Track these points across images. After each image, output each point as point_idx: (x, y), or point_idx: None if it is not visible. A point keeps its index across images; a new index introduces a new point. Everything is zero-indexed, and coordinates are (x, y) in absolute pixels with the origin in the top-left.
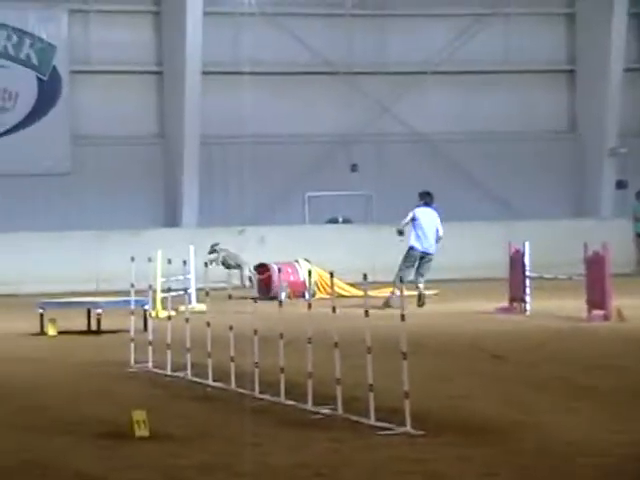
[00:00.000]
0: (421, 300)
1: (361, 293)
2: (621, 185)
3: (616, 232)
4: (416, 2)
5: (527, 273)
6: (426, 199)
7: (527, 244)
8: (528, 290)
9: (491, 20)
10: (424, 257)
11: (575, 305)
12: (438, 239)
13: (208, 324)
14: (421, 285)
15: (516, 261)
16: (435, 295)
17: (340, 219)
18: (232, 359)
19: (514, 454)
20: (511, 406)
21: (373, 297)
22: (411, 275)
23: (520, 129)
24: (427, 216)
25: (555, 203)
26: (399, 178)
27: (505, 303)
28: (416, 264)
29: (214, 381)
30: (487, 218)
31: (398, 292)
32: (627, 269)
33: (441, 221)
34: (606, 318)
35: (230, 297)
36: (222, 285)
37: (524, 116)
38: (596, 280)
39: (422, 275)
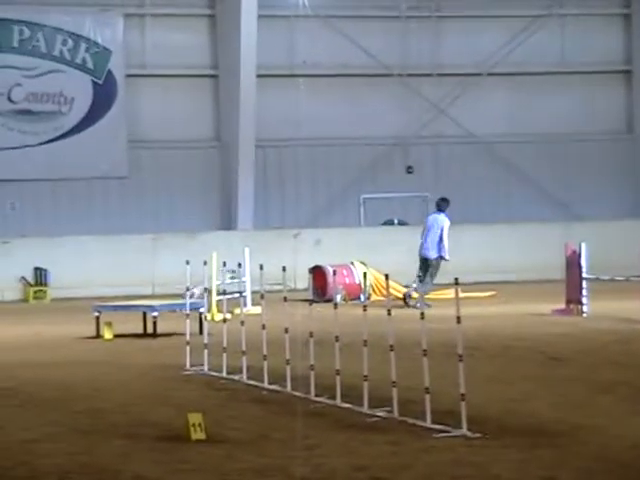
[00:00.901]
0: (405, 302)
1: (416, 295)
2: None
3: None
4: (471, 4)
5: (584, 274)
6: (439, 205)
7: (584, 245)
8: (585, 292)
9: (547, 21)
10: (425, 262)
11: (633, 307)
12: (440, 243)
13: (263, 327)
14: (413, 287)
15: (573, 262)
16: (491, 297)
17: (396, 221)
18: (287, 362)
19: (574, 457)
20: (571, 409)
21: (432, 299)
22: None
23: (576, 130)
24: (432, 222)
25: (612, 204)
26: (455, 180)
27: (562, 305)
28: (425, 269)
29: (270, 384)
30: (543, 219)
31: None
32: None
33: (451, 224)
34: None
35: (285, 299)
36: (277, 287)
37: (580, 117)
38: None
39: (420, 279)
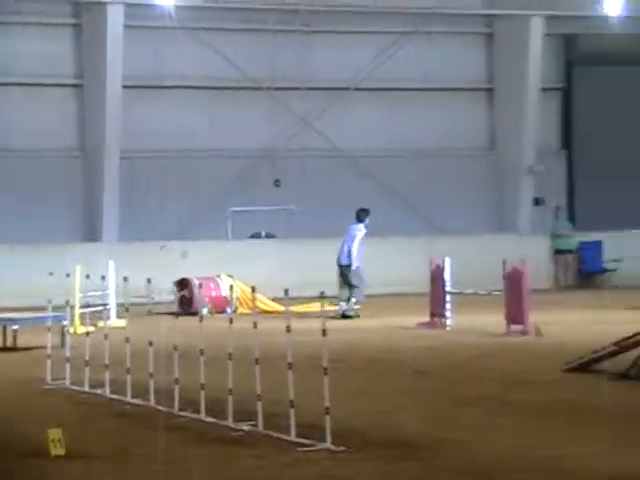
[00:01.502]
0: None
1: (283, 308)
2: (538, 202)
3: (534, 248)
4: (339, 19)
5: (447, 288)
6: (358, 215)
7: (447, 260)
8: (448, 305)
9: (413, 38)
10: (341, 269)
11: (494, 320)
12: (349, 252)
13: (127, 340)
14: (343, 299)
15: (437, 276)
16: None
17: (263, 234)
18: (151, 375)
19: (437, 470)
20: (435, 422)
21: (295, 313)
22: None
23: (441, 146)
24: (349, 231)
25: (475, 219)
26: (322, 193)
27: (426, 318)
28: (344, 277)
29: (133, 398)
30: (409, 233)
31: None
32: (545, 285)
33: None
34: (524, 333)
35: (150, 312)
36: (142, 300)
37: (445, 133)
38: (514, 296)
39: (345, 288)
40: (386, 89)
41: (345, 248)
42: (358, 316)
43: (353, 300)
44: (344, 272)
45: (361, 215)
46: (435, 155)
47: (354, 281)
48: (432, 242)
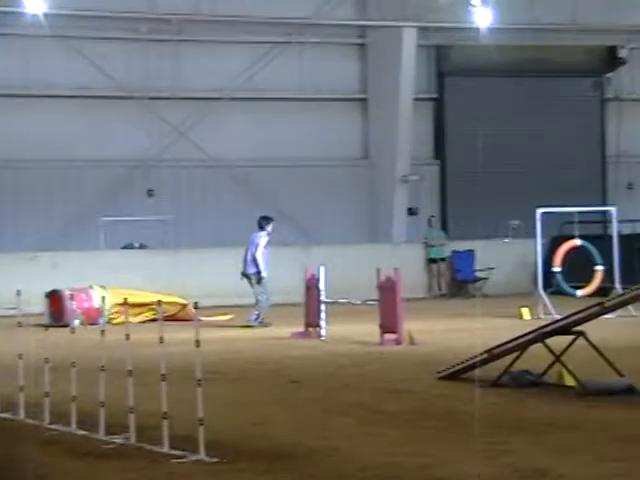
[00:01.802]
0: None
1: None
2: (412, 212)
3: (408, 257)
4: (212, 28)
5: (322, 298)
6: (259, 223)
7: (322, 269)
8: (323, 315)
9: (287, 48)
10: (247, 278)
11: (369, 329)
12: (253, 260)
13: None
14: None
15: (311, 286)
16: (230, 319)
17: (136, 244)
18: (21, 389)
19: (310, 479)
20: (309, 432)
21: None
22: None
23: (316, 156)
24: (252, 240)
25: (350, 229)
26: (196, 203)
27: (301, 328)
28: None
29: (1, 412)
30: (284, 243)
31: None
32: (419, 294)
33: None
34: (398, 342)
35: (20, 325)
36: (12, 312)
37: (319, 143)
38: (388, 305)
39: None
40: (260, 99)
41: (249, 257)
42: (265, 325)
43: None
44: (250, 281)
45: (262, 223)
46: (310, 165)
47: (259, 290)
48: (307, 252)
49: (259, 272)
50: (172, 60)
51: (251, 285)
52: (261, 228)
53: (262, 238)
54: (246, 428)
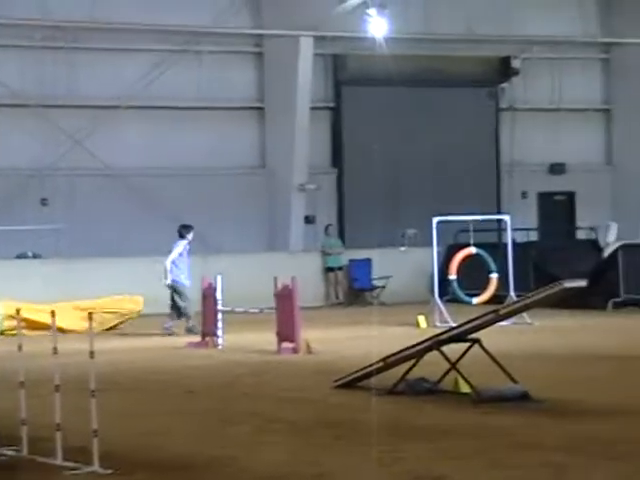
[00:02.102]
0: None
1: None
2: (309, 220)
3: (305, 266)
4: (108, 36)
5: (219, 307)
6: (179, 232)
7: (219, 278)
8: (220, 324)
9: (184, 57)
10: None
11: (266, 338)
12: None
13: None
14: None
15: (208, 295)
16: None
17: (30, 254)
18: None
19: None
20: (206, 442)
21: (68, 332)
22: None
23: (213, 164)
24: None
25: (248, 237)
26: (92, 213)
27: (198, 337)
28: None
29: None
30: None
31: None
32: (316, 302)
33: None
34: (295, 351)
35: None
36: None
37: (218, 152)
38: (285, 313)
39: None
40: (157, 107)
41: (167, 266)
42: (172, 334)
43: (182, 321)
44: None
45: (182, 231)
46: (208, 173)
47: (180, 298)
48: (205, 261)
49: (173, 280)
50: (67, 68)
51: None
52: (181, 237)
53: (177, 247)
54: (142, 439)
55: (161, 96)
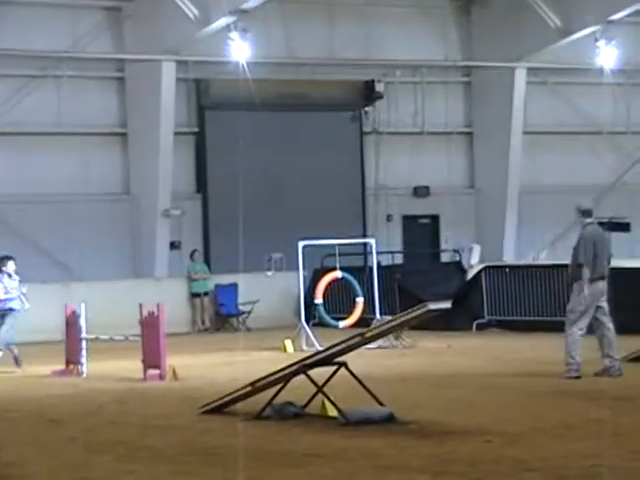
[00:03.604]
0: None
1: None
2: (174, 246)
3: (171, 292)
4: None
5: (83, 334)
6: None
7: (83, 305)
8: (84, 352)
9: (43, 82)
10: None
11: (132, 365)
12: None
13: None
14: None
15: (72, 323)
16: None
17: None
18: None
19: None
20: (68, 471)
21: None
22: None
23: (75, 191)
24: None
25: (112, 264)
26: None
27: (62, 366)
28: None
29: None
30: (44, 280)
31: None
32: (183, 328)
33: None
34: (161, 377)
35: None
36: None
37: (79, 178)
38: (151, 340)
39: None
40: (17, 134)
41: None
42: None
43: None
44: None
45: None
46: (69, 200)
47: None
48: (69, 289)
49: None
50: None
51: None
52: None
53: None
54: (2, 470)
55: (21, 122)
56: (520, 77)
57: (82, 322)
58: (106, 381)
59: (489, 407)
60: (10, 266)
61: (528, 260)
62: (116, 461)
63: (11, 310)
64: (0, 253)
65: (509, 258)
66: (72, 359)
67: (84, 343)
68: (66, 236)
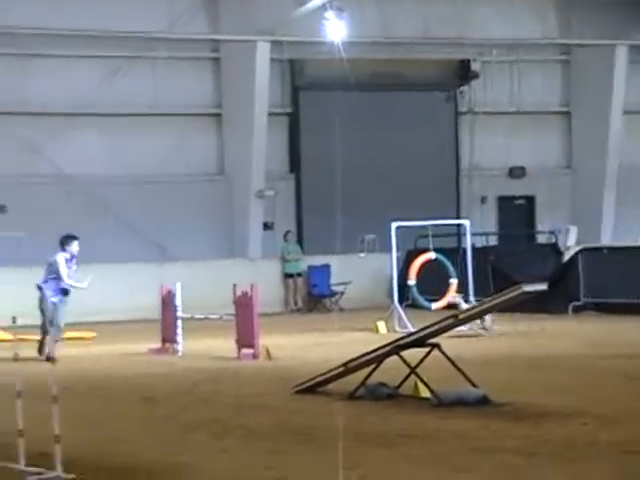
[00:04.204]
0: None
1: (10, 337)
2: (268, 227)
3: (265, 272)
4: (60, 43)
5: (178, 314)
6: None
7: (179, 285)
8: (179, 331)
9: (139, 63)
10: None
11: (226, 345)
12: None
13: None
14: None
15: (168, 302)
16: (92, 338)
17: None
18: None
19: None
20: (163, 447)
21: (25, 340)
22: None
23: (170, 172)
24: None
25: (207, 244)
26: (49, 220)
27: (158, 344)
28: None
29: None
30: (139, 260)
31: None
32: (275, 308)
33: (77, 263)
34: (255, 357)
35: None
36: None
37: (175, 159)
38: (245, 320)
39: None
40: (113, 114)
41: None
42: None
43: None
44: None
45: (63, 242)
46: (164, 181)
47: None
48: (164, 268)
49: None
50: (20, 75)
51: None
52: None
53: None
54: (103, 445)
55: (117, 103)
56: (621, 55)
57: (177, 302)
58: (201, 360)
59: (584, 389)
60: (74, 247)
61: (628, 242)
62: (210, 439)
63: (67, 293)
64: (96, 233)
65: (607, 240)
66: (168, 337)
67: (179, 322)
68: (162, 216)
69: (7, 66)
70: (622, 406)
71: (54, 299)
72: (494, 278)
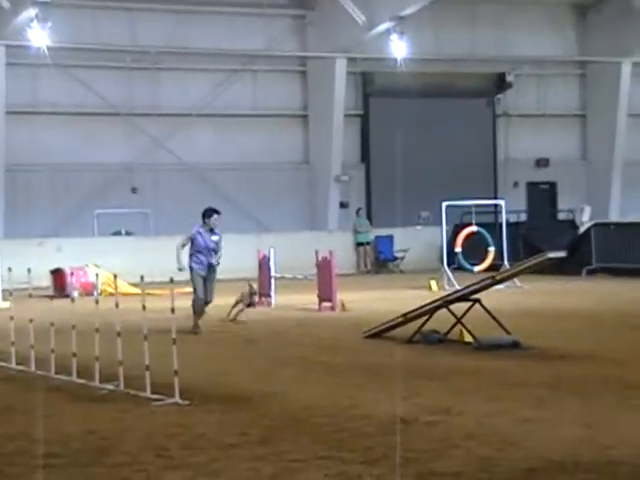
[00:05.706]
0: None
1: (140, 291)
2: (343, 205)
3: (340, 242)
4: (183, 59)
5: (272, 274)
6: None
7: (272, 250)
8: (273, 287)
9: (242, 75)
10: None
11: (309, 299)
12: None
13: (11, 318)
14: None
15: (263, 264)
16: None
17: (123, 232)
18: (32, 346)
19: (262, 417)
20: (261, 380)
21: (151, 294)
22: None
23: (266, 161)
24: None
25: (294, 219)
26: (171, 199)
27: (256, 299)
28: None
29: (17, 365)
30: (242, 231)
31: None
32: (349, 270)
33: (219, 234)
34: (332, 309)
35: (30, 296)
36: (24, 286)
37: (269, 151)
38: (324, 279)
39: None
40: (221, 115)
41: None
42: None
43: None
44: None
45: (204, 215)
46: (262, 168)
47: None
48: (260, 238)
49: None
50: (151, 84)
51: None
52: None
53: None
54: (212, 378)
55: (225, 106)
56: (626, 70)
57: (271, 264)
58: (289, 310)
59: (597, 337)
60: (213, 221)
61: (631, 219)
62: (298, 373)
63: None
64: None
65: (614, 217)
66: (263, 293)
67: (273, 280)
68: (258, 196)
69: (141, 77)
70: (628, 351)
71: (202, 273)
72: (524, 247)
